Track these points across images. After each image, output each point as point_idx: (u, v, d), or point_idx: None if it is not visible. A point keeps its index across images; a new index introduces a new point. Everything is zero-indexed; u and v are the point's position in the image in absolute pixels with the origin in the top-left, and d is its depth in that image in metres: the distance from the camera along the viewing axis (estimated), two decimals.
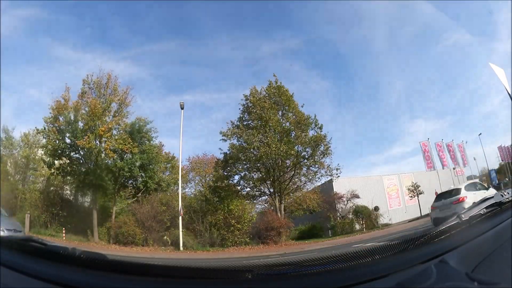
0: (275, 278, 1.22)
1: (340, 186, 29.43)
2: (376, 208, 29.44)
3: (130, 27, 54.03)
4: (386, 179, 36.70)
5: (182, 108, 23.07)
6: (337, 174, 24.29)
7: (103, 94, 22.21)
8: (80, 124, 20.89)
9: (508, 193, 1.83)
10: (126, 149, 21.26)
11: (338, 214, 28.98)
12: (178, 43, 57.07)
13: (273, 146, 21.56)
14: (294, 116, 23.90)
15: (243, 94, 24.58)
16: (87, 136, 19.93)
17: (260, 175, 24.47)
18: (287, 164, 24.24)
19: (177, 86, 56.21)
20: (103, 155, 21.14)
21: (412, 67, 64.95)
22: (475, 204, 1.74)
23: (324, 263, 1.22)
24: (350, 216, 27.76)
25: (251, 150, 22.32)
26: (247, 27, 56.73)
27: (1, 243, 1.41)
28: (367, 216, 27.53)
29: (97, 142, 20.94)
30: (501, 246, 1.33)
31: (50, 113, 21.10)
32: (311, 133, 23.76)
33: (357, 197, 29.09)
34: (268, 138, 22.14)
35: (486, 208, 1.68)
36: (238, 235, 21.29)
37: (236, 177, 24.64)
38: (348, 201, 29.18)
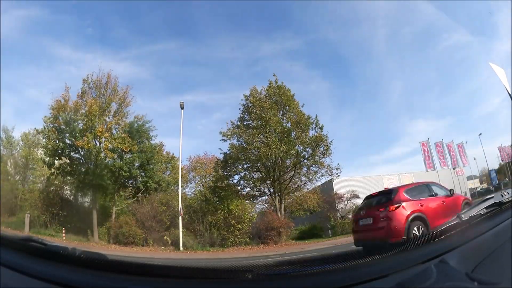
0: (275, 278, 1.21)
1: (340, 186, 29.47)
2: None
3: (131, 28, 54.19)
4: (386, 179, 36.77)
5: (182, 108, 23.13)
6: (337, 174, 24.28)
7: (103, 94, 22.20)
8: (80, 125, 20.83)
9: (508, 193, 1.82)
10: (125, 148, 21.22)
11: (338, 214, 28.97)
12: (179, 43, 57.40)
13: (273, 146, 21.51)
14: (294, 116, 23.82)
15: (243, 94, 24.58)
16: (85, 137, 19.91)
17: (260, 175, 24.44)
18: (287, 164, 24.19)
19: (178, 86, 56.54)
20: (102, 155, 21.08)
21: (412, 68, 65.25)
22: (475, 204, 1.74)
23: (324, 263, 1.22)
24: (350, 216, 27.71)
25: (251, 150, 22.26)
26: (247, 28, 56.93)
27: (1, 243, 1.40)
28: None
29: (97, 142, 20.89)
30: (501, 246, 1.33)
31: (50, 113, 21.12)
32: (311, 133, 23.70)
33: (357, 197, 29.04)
34: (269, 139, 22.08)
35: (486, 208, 1.68)
36: (238, 235, 21.27)
37: (236, 177, 24.63)
38: (348, 201, 29.13)
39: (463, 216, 1.60)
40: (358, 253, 1.24)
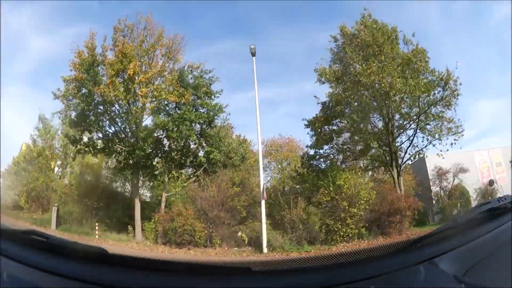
0: (267, 275, 1.10)
1: (431, 165, 22.03)
2: (491, 183, 22.30)
3: (186, 30, 47.06)
4: (477, 154, 27.50)
5: (253, 55, 14.40)
6: (460, 135, 14.45)
7: (142, 41, 14.19)
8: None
9: (505, 198, 1.62)
10: (172, 99, 12.77)
11: (443, 194, 21.82)
12: (236, 42, 50.51)
13: (396, 77, 12.20)
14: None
15: (330, 35, 15.39)
16: (110, 80, 11.74)
17: (375, 129, 14.93)
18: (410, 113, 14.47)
19: (242, 83, 51.76)
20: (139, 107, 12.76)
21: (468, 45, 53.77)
22: (472, 209, 1.75)
23: (313, 262, 1.11)
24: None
25: (367, 86, 12.76)
26: (302, 19, 48.49)
27: (4, 234, 1.35)
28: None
29: (131, 88, 12.65)
30: (495, 251, 1.23)
31: (71, 69, 13.28)
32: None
33: (465, 171, 21.67)
34: (386, 69, 12.69)
35: (482, 213, 1.53)
36: (351, 224, 11.99)
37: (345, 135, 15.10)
38: (455, 177, 21.71)
39: (459, 220, 1.62)
40: (351, 253, 1.10)
